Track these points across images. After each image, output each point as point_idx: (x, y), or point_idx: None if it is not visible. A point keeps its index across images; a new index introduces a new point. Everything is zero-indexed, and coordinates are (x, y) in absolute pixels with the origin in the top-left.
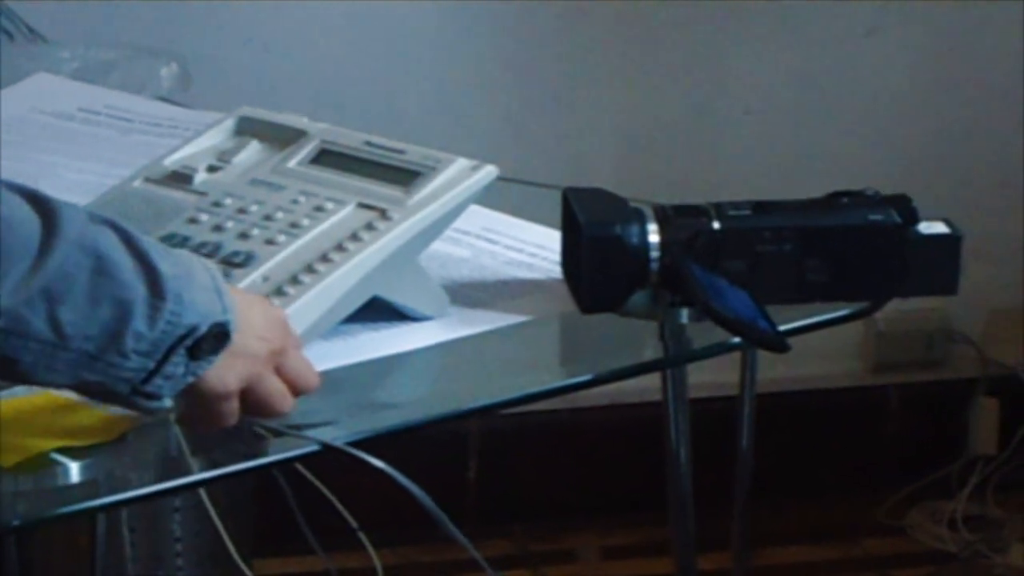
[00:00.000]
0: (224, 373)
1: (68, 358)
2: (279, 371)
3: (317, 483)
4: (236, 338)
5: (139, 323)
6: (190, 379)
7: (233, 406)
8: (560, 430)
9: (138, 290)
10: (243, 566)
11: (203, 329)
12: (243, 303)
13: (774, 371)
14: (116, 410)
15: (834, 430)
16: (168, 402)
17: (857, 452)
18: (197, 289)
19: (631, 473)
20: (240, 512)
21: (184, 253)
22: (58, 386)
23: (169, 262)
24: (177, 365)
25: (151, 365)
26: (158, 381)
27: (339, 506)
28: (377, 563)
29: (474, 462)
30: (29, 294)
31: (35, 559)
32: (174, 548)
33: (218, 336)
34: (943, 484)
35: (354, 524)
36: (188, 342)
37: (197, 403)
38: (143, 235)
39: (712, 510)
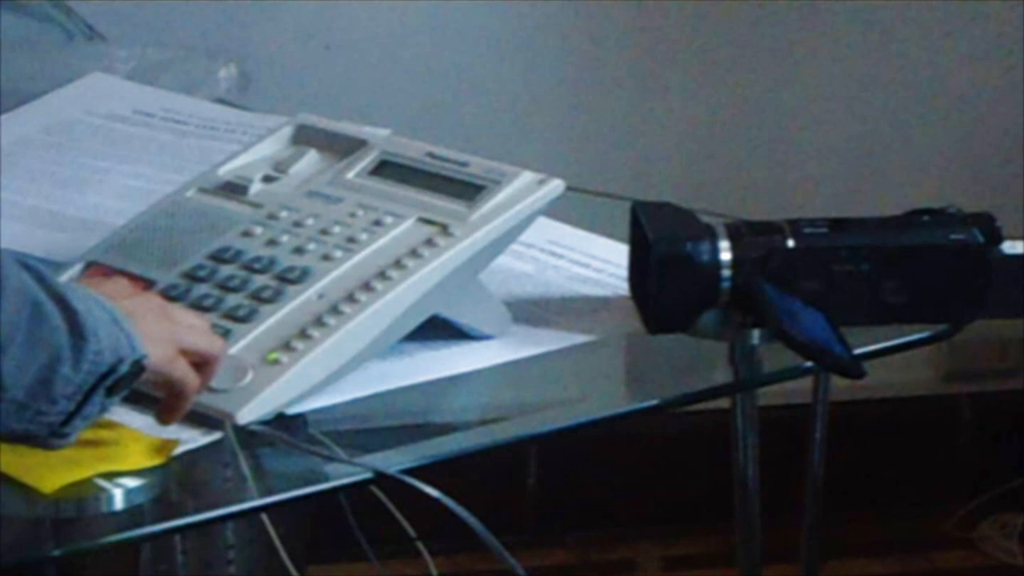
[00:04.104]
0: (155, 342)
1: (1, 409)
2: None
3: (374, 489)
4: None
5: (66, 367)
6: (102, 416)
7: (185, 364)
8: (622, 437)
9: (63, 333)
10: (296, 574)
11: (124, 369)
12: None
13: (843, 380)
14: (163, 433)
15: (904, 440)
16: (72, 439)
17: (927, 463)
18: (104, 324)
19: (694, 481)
20: (294, 519)
21: (81, 288)
22: None
23: (78, 299)
24: (95, 404)
25: (73, 407)
26: (76, 422)
27: (397, 514)
28: (434, 571)
29: (534, 469)
30: None
31: (83, 561)
32: (226, 555)
33: (135, 373)
34: (1014, 496)
35: (412, 533)
36: (108, 382)
37: (160, 385)
38: (50, 271)
39: (777, 520)
